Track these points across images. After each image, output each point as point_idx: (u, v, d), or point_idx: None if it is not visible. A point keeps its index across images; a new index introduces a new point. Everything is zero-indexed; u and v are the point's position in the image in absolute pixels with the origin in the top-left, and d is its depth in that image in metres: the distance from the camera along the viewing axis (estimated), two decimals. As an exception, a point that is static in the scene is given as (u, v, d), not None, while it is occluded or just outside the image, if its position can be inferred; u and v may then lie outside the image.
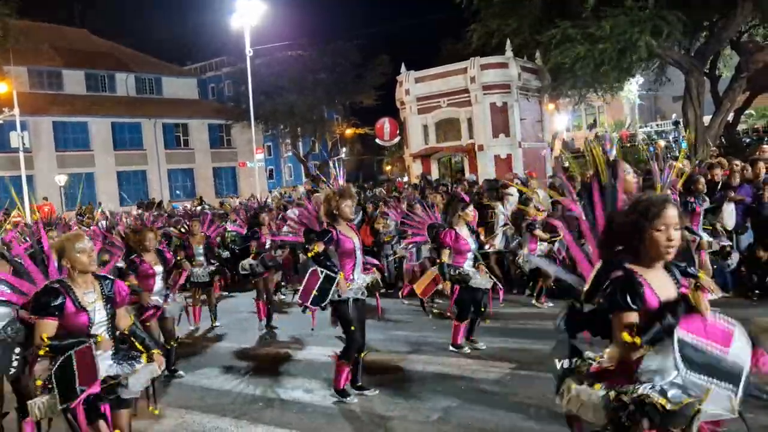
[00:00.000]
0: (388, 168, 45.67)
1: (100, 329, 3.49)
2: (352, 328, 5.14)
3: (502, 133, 20.66)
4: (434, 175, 20.78)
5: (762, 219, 8.11)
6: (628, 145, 29.83)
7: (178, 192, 36.84)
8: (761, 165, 8.52)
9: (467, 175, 19.22)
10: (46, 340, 3.33)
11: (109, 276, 3.70)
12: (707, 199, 8.40)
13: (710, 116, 19.58)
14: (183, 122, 38.29)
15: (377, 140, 26.01)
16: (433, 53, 30.27)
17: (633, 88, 33.28)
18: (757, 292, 7.94)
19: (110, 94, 37.16)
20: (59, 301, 3.39)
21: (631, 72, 21.06)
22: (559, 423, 4.36)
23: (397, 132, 24.59)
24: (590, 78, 19.01)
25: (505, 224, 9.71)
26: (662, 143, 23.56)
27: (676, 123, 31.15)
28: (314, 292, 5.08)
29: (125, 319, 3.71)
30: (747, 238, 8.34)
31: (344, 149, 44.14)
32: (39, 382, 3.43)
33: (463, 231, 6.33)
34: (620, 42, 16.45)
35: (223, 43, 32.70)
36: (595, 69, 17.55)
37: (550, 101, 24.61)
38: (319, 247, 5.11)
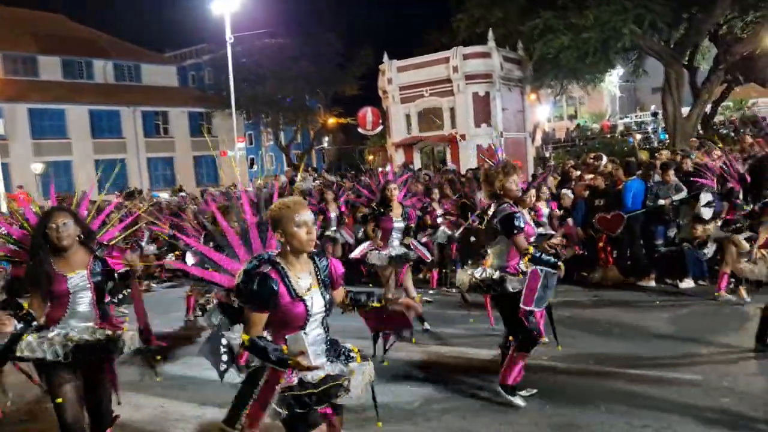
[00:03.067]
0: (371, 157, 45.59)
1: (315, 322, 2.84)
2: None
3: (484, 123, 20.71)
4: (416, 164, 20.81)
5: (737, 207, 8.25)
6: (609, 136, 30.11)
7: (158, 181, 36.46)
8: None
9: (449, 164, 19.27)
10: (246, 339, 2.71)
11: (323, 253, 3.02)
12: (684, 188, 8.55)
13: (689, 108, 19.82)
14: (163, 110, 37.83)
15: (360, 129, 25.97)
16: (416, 43, 30.23)
17: (613, 79, 33.53)
18: (732, 280, 8.09)
19: (88, 81, 36.53)
20: (272, 288, 2.70)
21: (613, 63, 21.24)
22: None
23: (380, 121, 24.56)
24: (573, 68, 19.14)
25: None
26: (638, 136, 23.77)
27: (655, 114, 31.49)
28: (538, 292, 4.42)
29: (339, 293, 3.10)
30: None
31: (326, 139, 43.98)
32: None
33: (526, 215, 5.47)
34: (604, 31, 16.58)
35: (203, 29, 32.39)
36: (578, 59, 17.67)
37: (532, 92, 24.72)
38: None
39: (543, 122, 33.23)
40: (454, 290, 8.86)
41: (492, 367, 5.16)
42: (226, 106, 28.88)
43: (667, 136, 21.21)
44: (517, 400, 4.60)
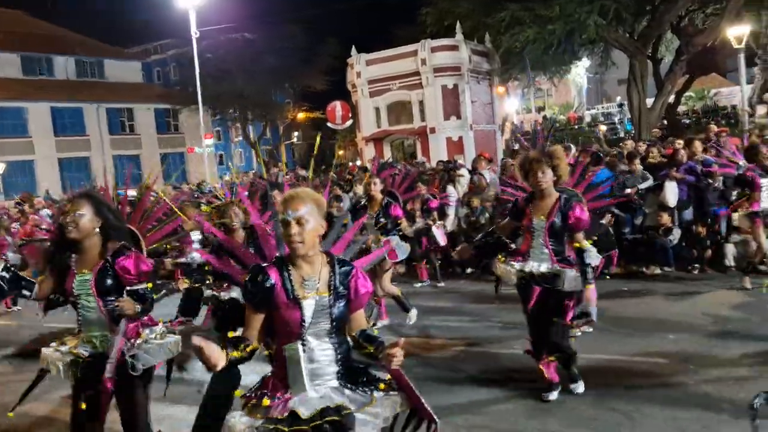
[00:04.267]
0: (341, 152, 45.48)
1: (318, 336, 2.49)
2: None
3: (453, 116, 20.78)
4: (387, 158, 20.79)
5: (701, 195, 8.45)
6: (576, 127, 30.53)
7: (125, 179, 35.73)
8: (697, 144, 8.86)
9: (419, 157, 19.30)
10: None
11: (346, 261, 2.63)
12: (650, 177, 8.71)
13: (653, 98, 20.19)
14: (128, 107, 37.11)
15: (329, 124, 25.80)
16: (384, 36, 30.19)
17: (580, 71, 34.02)
18: (696, 266, 8.28)
19: (49, 78, 35.63)
20: (266, 285, 2.46)
21: (578, 55, 21.53)
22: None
23: (349, 115, 24.45)
24: (539, 60, 19.34)
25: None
26: (604, 128, 24.16)
27: (620, 105, 32.03)
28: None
29: (360, 321, 2.62)
30: (688, 215, 8.67)
31: (296, 134, 43.70)
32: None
33: None
34: (568, 23, 16.78)
35: (167, 24, 31.88)
36: (544, 51, 17.87)
37: (500, 84, 24.90)
38: None
39: (512, 114, 33.53)
40: (440, 284, 8.92)
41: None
42: (193, 103, 28.44)
43: (632, 126, 21.58)
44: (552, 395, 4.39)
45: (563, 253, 4.27)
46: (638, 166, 8.88)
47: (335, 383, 2.47)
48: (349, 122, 24.77)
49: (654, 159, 9.18)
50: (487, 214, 9.64)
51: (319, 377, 2.46)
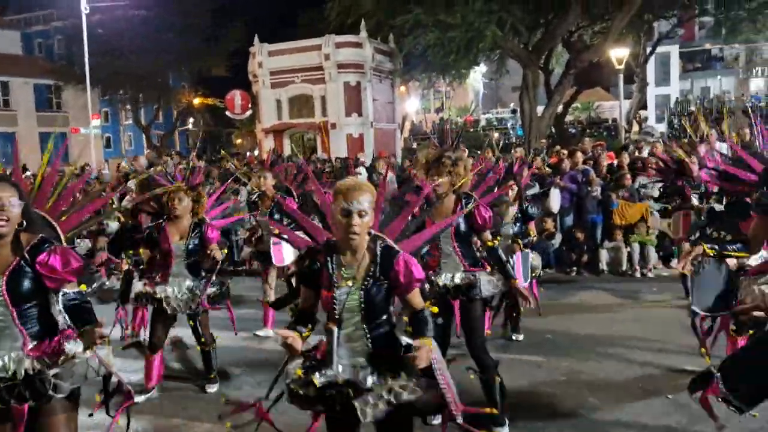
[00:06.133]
0: (239, 141, 44.33)
1: (349, 320, 2.58)
2: None
3: (355, 113, 20.92)
4: (286, 151, 20.55)
5: (581, 203, 9.06)
6: (471, 130, 31.64)
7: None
8: (579, 155, 9.48)
9: (318, 153, 19.25)
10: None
11: (392, 248, 2.62)
12: (536, 184, 9.20)
13: (543, 107, 21.36)
14: (3, 80, 34.04)
15: (228, 113, 25.13)
16: (289, 24, 29.60)
17: (477, 76, 35.26)
18: (574, 268, 8.87)
19: None
20: (312, 267, 2.64)
21: (477, 61, 22.34)
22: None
23: (249, 105, 23.93)
24: (440, 64, 19.87)
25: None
26: (496, 135, 25.19)
27: (514, 111, 33.63)
28: None
29: (413, 303, 2.64)
30: (569, 221, 9.27)
31: (191, 120, 42.08)
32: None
33: None
34: (469, 31, 17.37)
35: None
36: (444, 56, 18.38)
37: (402, 84, 25.34)
38: None
39: (411, 114, 34.21)
40: None
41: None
42: (79, 80, 26.59)
43: (523, 132, 22.71)
44: None
45: (474, 257, 4.08)
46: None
47: (365, 364, 2.56)
48: (248, 112, 24.23)
49: (540, 169, 9.70)
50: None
51: (349, 357, 2.58)
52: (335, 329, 2.55)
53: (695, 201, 6.63)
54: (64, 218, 3.04)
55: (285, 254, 6.12)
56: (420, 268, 2.61)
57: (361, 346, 2.58)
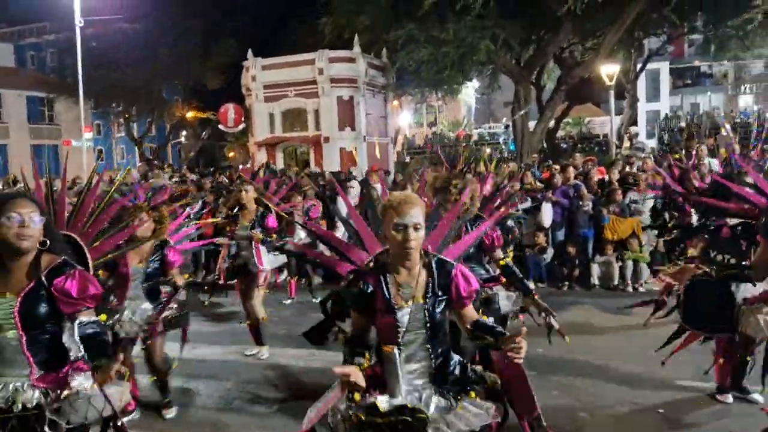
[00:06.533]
0: (231, 154, 44.31)
1: (412, 342, 2.47)
2: None
3: (348, 127, 20.98)
4: (279, 164, 20.56)
5: (572, 218, 9.11)
6: (464, 144, 31.79)
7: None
8: (571, 170, 9.55)
9: (312, 167, 19.28)
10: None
11: (447, 261, 2.53)
12: (528, 199, 9.26)
13: (535, 122, 21.50)
14: (-5, 92, 33.98)
15: (221, 126, 25.18)
16: (283, 40, 29.77)
17: (470, 92, 35.52)
18: (566, 283, 8.90)
19: None
20: (363, 291, 2.47)
21: (469, 76, 22.52)
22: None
23: (242, 119, 23.98)
24: (433, 80, 20.01)
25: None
26: (488, 150, 25.31)
27: (506, 126, 33.82)
28: None
29: (470, 314, 2.55)
30: (560, 236, 9.30)
31: (184, 133, 42.07)
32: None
33: None
34: (461, 47, 17.52)
35: (44, 5, 29.35)
36: (437, 72, 18.53)
37: (395, 98, 25.48)
38: None
39: (404, 128, 34.35)
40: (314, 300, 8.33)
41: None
42: (72, 92, 26.55)
43: (515, 147, 22.85)
44: None
45: (486, 272, 4.12)
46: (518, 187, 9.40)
47: (427, 386, 2.45)
48: (241, 126, 24.27)
49: (529, 185, 9.75)
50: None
51: (413, 379, 2.45)
52: (397, 352, 2.38)
53: (694, 218, 6.47)
54: (96, 244, 2.86)
55: (264, 260, 6.01)
56: (475, 278, 2.54)
57: (422, 367, 2.47)
